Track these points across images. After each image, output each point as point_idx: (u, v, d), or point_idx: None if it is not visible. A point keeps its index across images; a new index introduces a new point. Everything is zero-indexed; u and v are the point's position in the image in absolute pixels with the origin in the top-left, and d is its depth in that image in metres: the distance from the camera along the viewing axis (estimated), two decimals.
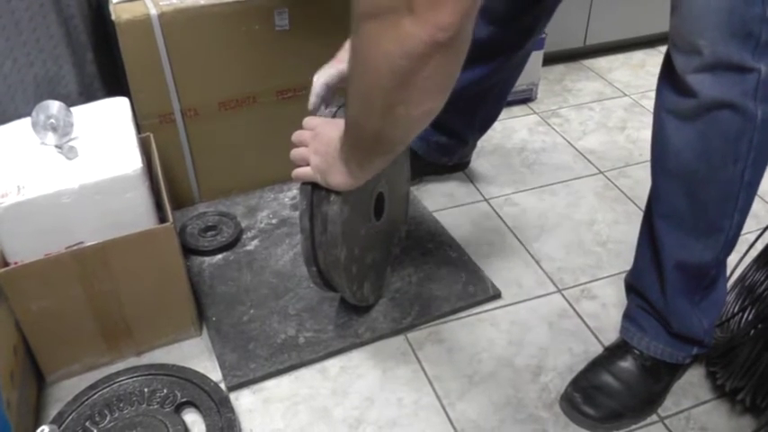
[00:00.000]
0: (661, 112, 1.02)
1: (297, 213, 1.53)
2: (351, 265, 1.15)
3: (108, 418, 1.09)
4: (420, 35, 0.66)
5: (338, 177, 1.01)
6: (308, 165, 1.05)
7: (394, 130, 0.83)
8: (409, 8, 0.65)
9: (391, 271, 1.37)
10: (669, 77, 0.99)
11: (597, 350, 1.22)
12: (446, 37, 0.66)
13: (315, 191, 1.08)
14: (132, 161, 1.13)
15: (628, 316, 1.18)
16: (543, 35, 1.89)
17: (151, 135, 1.33)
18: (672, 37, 0.96)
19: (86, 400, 1.12)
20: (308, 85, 1.52)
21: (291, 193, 1.60)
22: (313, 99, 1.10)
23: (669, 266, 1.07)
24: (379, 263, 1.30)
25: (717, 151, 0.97)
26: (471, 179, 1.69)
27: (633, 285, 1.17)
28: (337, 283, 1.18)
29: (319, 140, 1.03)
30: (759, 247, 1.18)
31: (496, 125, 1.87)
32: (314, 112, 1.11)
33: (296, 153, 1.07)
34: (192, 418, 1.12)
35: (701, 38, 0.91)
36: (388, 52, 0.69)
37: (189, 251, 1.42)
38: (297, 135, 1.08)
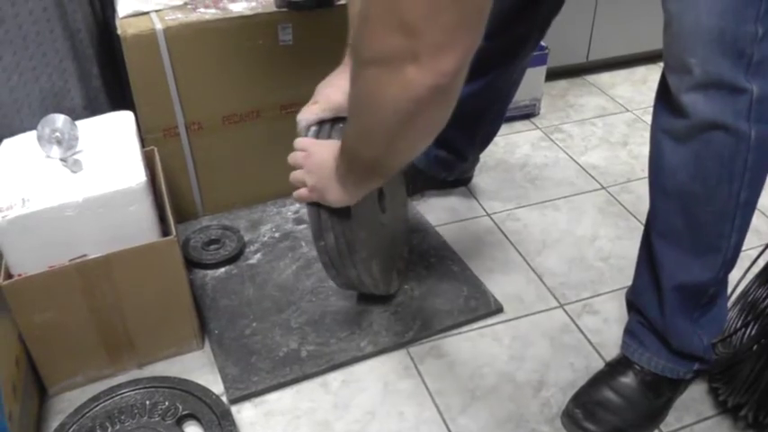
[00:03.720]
0: (657, 133, 1.02)
1: (300, 228, 1.54)
2: (360, 229, 1.15)
3: (109, 431, 1.09)
4: (424, 82, 0.67)
5: (334, 195, 1.03)
6: (304, 186, 1.07)
7: (392, 161, 0.86)
8: (414, 57, 0.66)
9: (399, 285, 1.38)
10: (664, 97, 0.99)
11: (599, 365, 1.22)
12: (447, 81, 0.68)
13: (321, 210, 1.10)
14: (136, 175, 1.14)
15: (629, 331, 1.18)
16: (546, 51, 1.90)
17: (155, 149, 1.34)
18: (665, 56, 0.96)
19: (88, 412, 1.12)
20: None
21: (294, 207, 1.60)
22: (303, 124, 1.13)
23: (668, 287, 1.07)
24: (385, 256, 1.30)
25: (712, 172, 0.97)
26: (474, 194, 1.69)
27: (633, 303, 1.17)
28: (346, 254, 1.15)
29: (312, 161, 1.05)
30: (761, 263, 1.18)
31: (499, 140, 1.88)
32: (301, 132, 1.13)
33: (293, 176, 1.09)
34: (194, 431, 1.12)
35: (692, 56, 0.91)
36: (393, 97, 0.71)
37: (192, 264, 1.43)
38: (291, 157, 1.10)
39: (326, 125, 1.12)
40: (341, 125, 1.10)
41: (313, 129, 1.13)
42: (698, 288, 1.06)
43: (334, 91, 1.12)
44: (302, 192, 1.08)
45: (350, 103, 0.82)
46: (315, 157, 1.05)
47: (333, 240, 1.13)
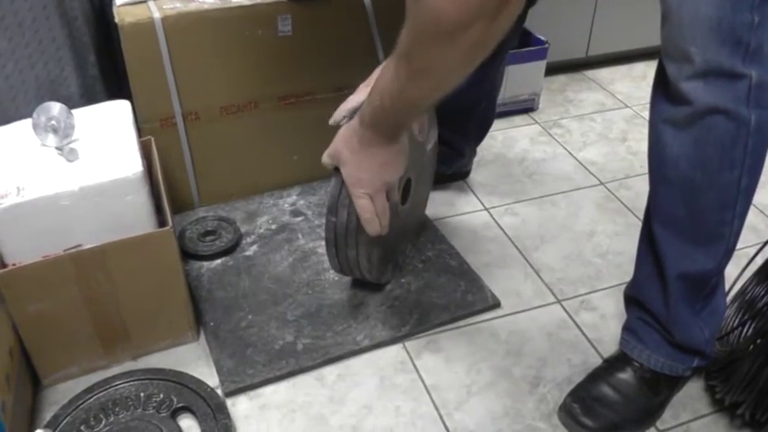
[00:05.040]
0: (657, 123, 1.03)
1: (297, 220, 1.53)
2: None
3: (103, 423, 1.08)
4: None
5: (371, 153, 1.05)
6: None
7: (444, 76, 0.88)
8: None
9: (392, 277, 1.37)
10: (663, 87, 1.00)
11: (596, 362, 1.21)
12: None
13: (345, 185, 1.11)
14: (133, 164, 1.13)
15: (627, 328, 1.17)
16: (545, 46, 1.89)
17: (152, 138, 1.33)
18: (664, 46, 0.98)
19: (82, 403, 1.12)
20: (310, 91, 1.53)
21: (291, 198, 1.60)
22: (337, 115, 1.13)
23: (672, 277, 1.06)
24: (388, 246, 1.29)
25: (713, 158, 0.98)
26: (472, 188, 1.69)
27: (634, 297, 1.16)
28: (353, 234, 1.15)
29: (337, 141, 1.08)
30: (759, 261, 1.18)
31: (497, 134, 1.87)
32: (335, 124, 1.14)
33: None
34: (188, 424, 1.11)
35: (693, 45, 0.93)
36: None
37: (188, 255, 1.42)
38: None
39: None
40: None
41: (347, 119, 1.12)
42: (701, 277, 1.06)
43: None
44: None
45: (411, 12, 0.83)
46: (337, 139, 1.07)
47: (345, 217, 1.13)
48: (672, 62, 0.97)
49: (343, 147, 1.06)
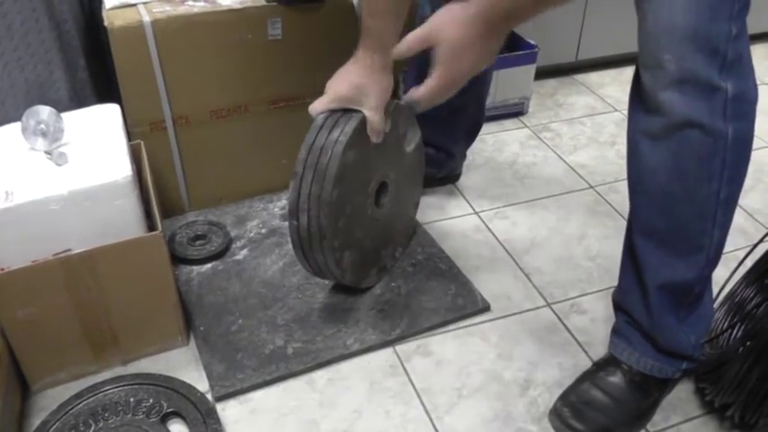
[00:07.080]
0: (635, 133, 1.02)
1: (286, 224, 1.52)
2: (339, 217, 1.17)
3: (93, 428, 1.08)
4: None
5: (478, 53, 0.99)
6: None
7: None
8: None
9: (376, 281, 1.37)
10: (639, 97, 0.99)
11: (586, 364, 1.22)
12: None
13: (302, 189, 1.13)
14: (122, 168, 1.12)
15: (616, 331, 1.18)
16: (535, 50, 1.90)
17: (141, 142, 1.32)
18: (639, 54, 0.96)
19: (71, 409, 1.11)
20: (300, 95, 1.53)
21: (281, 202, 1.59)
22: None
23: (653, 287, 1.07)
24: (366, 250, 1.30)
25: (690, 171, 0.97)
26: (462, 192, 1.69)
27: (619, 303, 1.17)
28: (317, 238, 1.16)
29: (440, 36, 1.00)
30: (748, 263, 1.18)
31: (488, 138, 1.88)
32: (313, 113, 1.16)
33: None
34: (178, 429, 1.11)
35: (667, 53, 0.91)
36: None
37: (178, 260, 1.41)
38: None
39: (336, 113, 1.15)
40: (351, 114, 1.14)
41: (321, 116, 1.15)
42: (683, 287, 1.06)
43: (339, 83, 1.14)
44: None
45: None
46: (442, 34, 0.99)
47: (306, 222, 1.14)
48: (647, 71, 0.95)
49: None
